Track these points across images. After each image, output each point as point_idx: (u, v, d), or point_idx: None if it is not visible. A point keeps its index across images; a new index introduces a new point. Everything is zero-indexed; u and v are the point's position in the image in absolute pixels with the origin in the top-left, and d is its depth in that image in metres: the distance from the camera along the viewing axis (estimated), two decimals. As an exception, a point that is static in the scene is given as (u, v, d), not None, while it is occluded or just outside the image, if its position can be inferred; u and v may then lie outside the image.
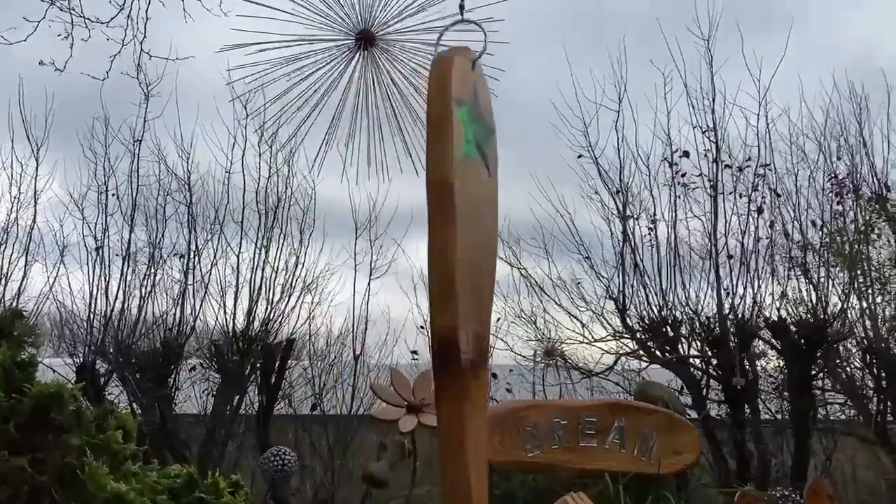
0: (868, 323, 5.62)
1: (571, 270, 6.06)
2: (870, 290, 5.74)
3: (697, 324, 5.72)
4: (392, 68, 3.16)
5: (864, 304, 5.62)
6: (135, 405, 5.98)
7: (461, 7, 1.40)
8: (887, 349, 5.62)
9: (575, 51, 5.89)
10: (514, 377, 6.02)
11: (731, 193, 5.73)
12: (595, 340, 5.84)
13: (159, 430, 5.76)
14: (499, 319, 6.14)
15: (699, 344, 5.82)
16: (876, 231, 5.97)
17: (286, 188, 6.43)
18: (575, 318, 5.93)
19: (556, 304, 5.92)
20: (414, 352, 6.27)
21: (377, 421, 4.15)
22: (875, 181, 5.76)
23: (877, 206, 5.83)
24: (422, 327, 6.41)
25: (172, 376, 6.29)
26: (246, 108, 5.89)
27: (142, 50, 4.65)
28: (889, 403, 5.67)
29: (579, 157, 5.89)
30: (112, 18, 4.51)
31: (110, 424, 2.18)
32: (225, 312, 6.26)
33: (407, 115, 3.15)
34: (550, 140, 6.01)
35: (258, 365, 6.28)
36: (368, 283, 6.63)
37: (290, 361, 6.30)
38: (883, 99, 5.75)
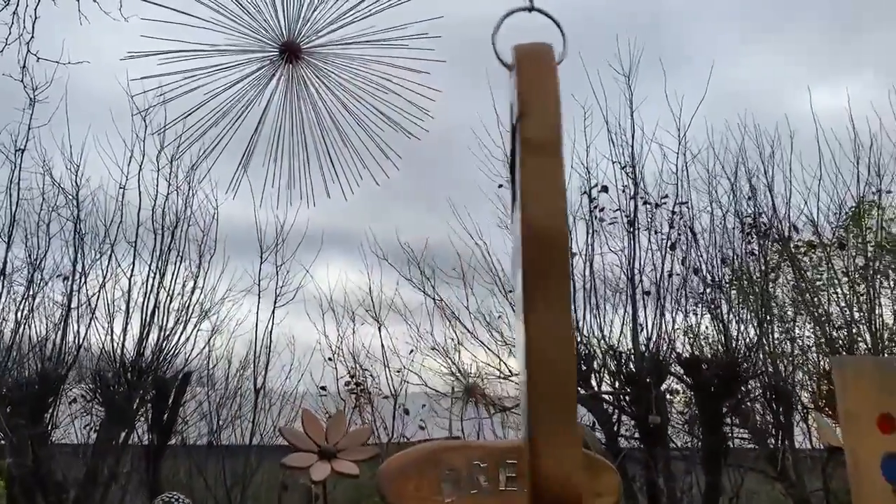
0: (768, 360, 5.75)
1: (491, 304, 5.93)
2: (770, 329, 5.89)
3: (611, 358, 5.68)
4: (319, 85, 2.91)
5: (767, 343, 5.76)
6: (3, 444, 5.36)
7: None
8: (786, 387, 5.77)
9: (498, 77, 5.81)
10: (427, 412, 5.79)
11: (646, 229, 5.77)
12: (511, 375, 5.70)
13: (32, 474, 5.16)
14: (412, 352, 5.93)
15: (612, 379, 5.79)
16: (777, 271, 6.16)
17: (186, 207, 6.04)
18: (491, 351, 5.79)
19: (473, 336, 5.76)
20: (322, 388, 5.94)
21: (285, 462, 3.81)
22: (779, 223, 5.93)
23: (780, 246, 6.00)
24: (329, 359, 6.12)
25: (50, 411, 5.69)
26: (146, 121, 5.52)
27: (28, 51, 4.20)
28: (787, 440, 5.81)
29: (500, 186, 5.79)
30: (-6, 14, 4.05)
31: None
32: (112, 340, 5.79)
33: (335, 136, 2.91)
34: (469, 167, 5.89)
35: (147, 398, 5.78)
36: (273, 311, 6.29)
37: (185, 395, 5.84)
38: (786, 143, 5.95)
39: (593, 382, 5.82)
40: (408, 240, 6.06)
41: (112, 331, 5.80)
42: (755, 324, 5.77)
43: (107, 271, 5.92)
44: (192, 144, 3.02)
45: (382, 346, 6.05)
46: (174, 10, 2.96)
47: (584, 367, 5.78)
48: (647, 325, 5.60)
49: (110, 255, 5.93)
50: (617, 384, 5.75)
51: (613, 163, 5.78)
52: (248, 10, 2.93)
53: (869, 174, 5.66)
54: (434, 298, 5.91)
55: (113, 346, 5.76)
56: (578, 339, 5.68)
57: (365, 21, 2.93)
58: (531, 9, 0.94)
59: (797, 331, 6.12)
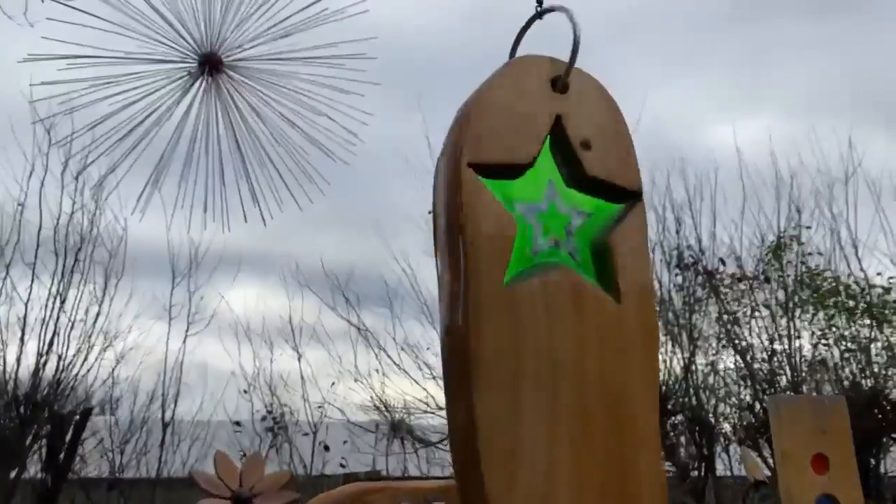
0: (692, 392, 5.79)
1: (420, 335, 5.76)
2: (694, 361, 5.94)
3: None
4: (241, 100, 2.69)
5: (692, 375, 5.79)
6: None
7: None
8: (709, 418, 5.81)
9: (428, 102, 5.70)
10: (348, 448, 5.54)
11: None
12: (439, 408, 5.53)
13: None
14: (334, 384, 5.69)
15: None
16: (702, 304, 6.24)
17: (91, 227, 5.66)
18: (417, 383, 5.60)
19: (399, 368, 5.57)
20: (237, 423, 5.60)
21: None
22: (703, 257, 6.02)
23: (705, 279, 6.08)
24: (245, 391, 5.80)
25: (-73, 449, 5.17)
26: (49, 133, 5.17)
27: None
28: (710, 472, 5.85)
29: (430, 212, 5.64)
30: None
31: None
32: (4, 370, 5.32)
33: (256, 155, 2.69)
34: (396, 192, 5.74)
35: (42, 434, 5.32)
36: (185, 339, 5.94)
37: (84, 432, 5.40)
38: (712, 177, 6.06)
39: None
40: (331, 264, 5.85)
41: (4, 360, 5.39)
42: (680, 356, 5.80)
43: (0, 295, 5.48)
44: (98, 157, 2.75)
45: (302, 376, 5.79)
46: (84, 12, 2.70)
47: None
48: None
49: (5, 278, 5.53)
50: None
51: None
52: (165, 17, 2.70)
53: (790, 210, 5.82)
54: (359, 327, 5.69)
55: (5, 377, 5.34)
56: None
57: (293, 37, 2.75)
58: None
59: (721, 364, 6.20)
